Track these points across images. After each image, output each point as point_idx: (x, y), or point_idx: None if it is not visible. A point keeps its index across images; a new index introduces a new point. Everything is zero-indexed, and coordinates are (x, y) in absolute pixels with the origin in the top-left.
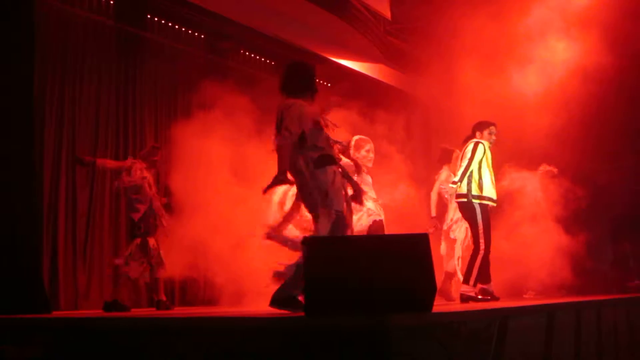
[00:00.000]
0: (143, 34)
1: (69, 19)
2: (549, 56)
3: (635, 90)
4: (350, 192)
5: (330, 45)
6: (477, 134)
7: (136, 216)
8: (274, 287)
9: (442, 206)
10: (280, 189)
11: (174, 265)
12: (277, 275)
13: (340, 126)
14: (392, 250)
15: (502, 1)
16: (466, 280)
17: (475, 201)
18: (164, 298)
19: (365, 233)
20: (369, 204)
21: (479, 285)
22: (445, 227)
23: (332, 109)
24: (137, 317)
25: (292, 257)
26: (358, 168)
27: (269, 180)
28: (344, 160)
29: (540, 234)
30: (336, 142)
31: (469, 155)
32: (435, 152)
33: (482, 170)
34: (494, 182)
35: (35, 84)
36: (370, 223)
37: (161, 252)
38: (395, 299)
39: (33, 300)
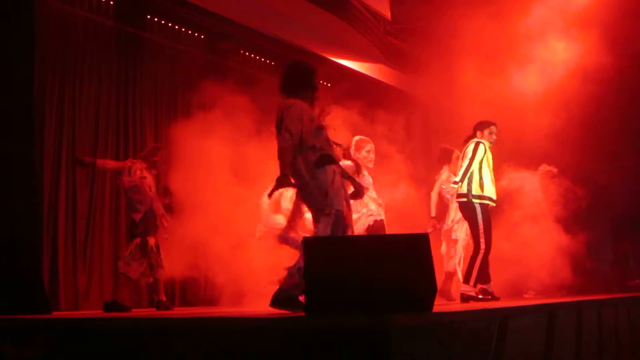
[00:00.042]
0: (143, 34)
1: (69, 19)
2: (548, 56)
3: (635, 90)
4: (351, 190)
5: (330, 45)
6: (478, 133)
7: (137, 216)
8: (275, 287)
9: (443, 206)
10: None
11: (174, 265)
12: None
13: (339, 127)
14: (392, 250)
15: (502, 1)
16: (466, 280)
17: (476, 201)
18: (164, 298)
19: (365, 233)
20: (369, 204)
21: (479, 286)
22: (446, 227)
23: (332, 110)
24: (137, 317)
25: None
26: (358, 168)
27: (270, 182)
28: (345, 162)
29: (540, 233)
30: (336, 143)
31: (469, 155)
32: (435, 152)
33: (483, 170)
34: (493, 182)
35: (35, 84)
36: (371, 223)
37: (161, 252)
38: (395, 299)
39: (33, 300)
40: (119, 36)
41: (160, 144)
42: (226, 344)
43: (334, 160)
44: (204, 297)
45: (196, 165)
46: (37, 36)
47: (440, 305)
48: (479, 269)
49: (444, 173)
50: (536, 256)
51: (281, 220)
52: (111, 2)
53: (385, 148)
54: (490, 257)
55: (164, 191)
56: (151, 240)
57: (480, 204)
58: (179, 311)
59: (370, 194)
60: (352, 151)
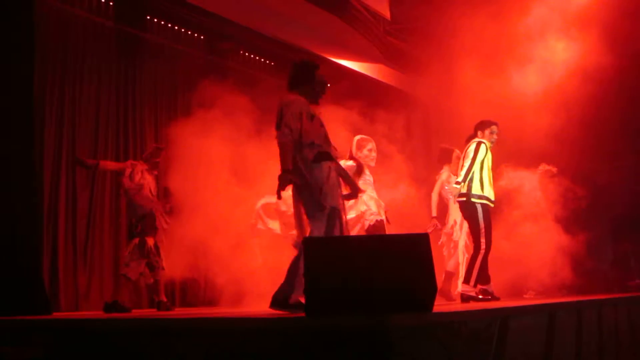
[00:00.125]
0: (143, 35)
1: (69, 20)
2: (548, 56)
3: (635, 90)
4: (347, 191)
5: (329, 45)
6: (479, 133)
7: (136, 217)
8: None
9: (443, 206)
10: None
11: (174, 266)
12: None
13: (339, 128)
14: (392, 250)
15: (501, 1)
16: (466, 280)
17: (476, 201)
18: (164, 299)
19: (365, 233)
20: (370, 203)
21: (479, 286)
22: (448, 227)
23: (325, 109)
24: (137, 318)
25: None
26: (360, 168)
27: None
28: (347, 162)
29: (540, 233)
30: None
31: (471, 155)
32: (435, 152)
33: (483, 170)
34: (492, 182)
35: (35, 84)
36: (373, 223)
37: (161, 253)
38: (395, 299)
39: (33, 301)
40: (118, 37)
41: (160, 144)
42: (226, 344)
43: (331, 157)
44: (204, 298)
45: (196, 165)
46: (37, 36)
47: (440, 305)
48: (479, 269)
49: (444, 173)
50: (536, 256)
51: (276, 227)
52: (111, 3)
53: (386, 148)
54: (490, 257)
55: (165, 192)
56: (150, 241)
57: (480, 204)
58: (179, 312)
59: (371, 193)
60: (353, 150)
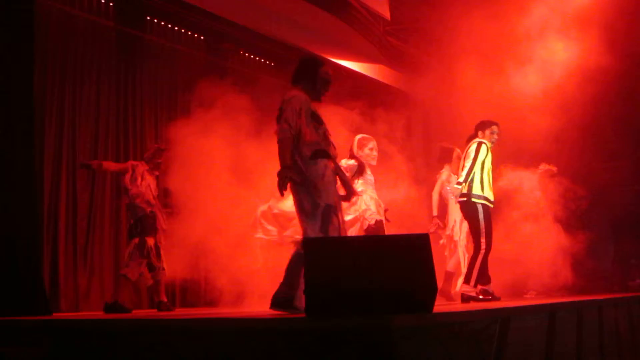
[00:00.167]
0: (143, 36)
1: (69, 20)
2: (548, 56)
3: (634, 91)
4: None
5: (329, 45)
6: (480, 133)
7: (136, 217)
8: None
9: (443, 206)
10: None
11: (174, 266)
12: None
13: (339, 128)
14: (392, 250)
15: (501, 1)
16: (467, 280)
17: (477, 201)
18: (164, 299)
19: (364, 233)
20: (369, 203)
21: (479, 286)
22: (449, 228)
23: (332, 110)
24: (137, 318)
25: None
26: (361, 167)
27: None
28: (348, 162)
29: (540, 233)
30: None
31: (472, 155)
32: (435, 152)
33: (484, 170)
34: (491, 183)
35: (35, 85)
36: (373, 223)
37: (162, 253)
38: (395, 300)
39: (33, 302)
40: (119, 37)
41: (161, 145)
42: (226, 345)
43: (328, 155)
44: (204, 299)
45: (196, 165)
46: (37, 36)
47: (440, 305)
48: (479, 269)
49: (445, 172)
50: (537, 256)
51: (275, 232)
52: (111, 4)
53: (386, 148)
54: (491, 257)
55: (164, 194)
56: (150, 241)
57: (481, 204)
58: (179, 312)
59: (371, 194)
60: (354, 149)
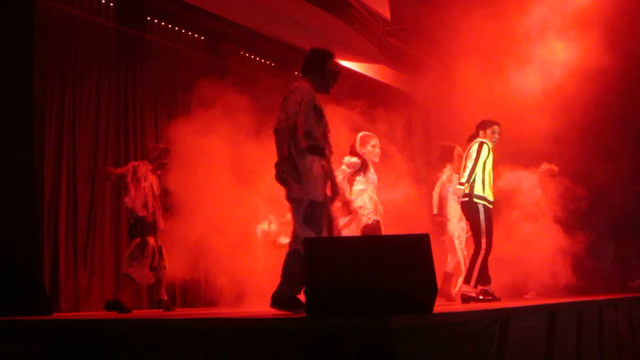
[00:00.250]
0: (143, 36)
1: (69, 20)
2: (548, 56)
3: (634, 91)
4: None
5: (330, 46)
6: (481, 132)
7: (135, 218)
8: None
9: (442, 206)
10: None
11: (174, 266)
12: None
13: (339, 128)
14: (392, 250)
15: (501, 1)
16: (467, 281)
17: (478, 201)
18: (165, 297)
19: (361, 232)
20: (368, 204)
21: (480, 287)
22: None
23: (333, 110)
24: (137, 318)
25: None
26: (365, 165)
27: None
28: (351, 159)
29: (541, 234)
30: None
31: (474, 155)
32: (436, 151)
33: (485, 171)
34: (492, 183)
35: (36, 85)
36: (370, 222)
37: (164, 252)
38: (396, 300)
39: (33, 302)
40: (119, 37)
41: (166, 145)
42: (226, 345)
43: (320, 153)
44: (204, 299)
45: (196, 165)
46: (37, 36)
47: (441, 305)
48: (480, 269)
49: (446, 172)
50: (537, 257)
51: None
52: (111, 4)
53: (386, 148)
54: (491, 257)
55: (165, 194)
56: (151, 240)
57: (482, 204)
58: (179, 312)
59: (372, 194)
60: (357, 146)
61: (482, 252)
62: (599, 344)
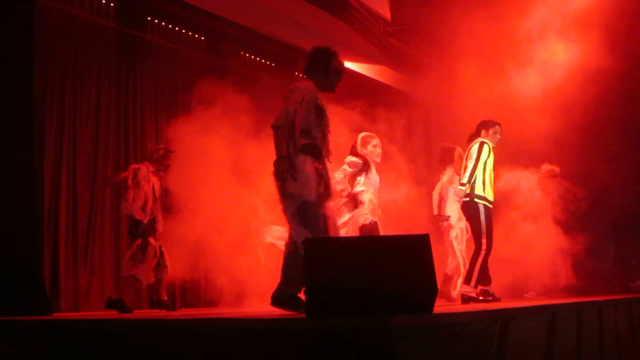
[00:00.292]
0: (143, 36)
1: (69, 20)
2: (549, 57)
3: (635, 92)
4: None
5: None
6: (482, 132)
7: (133, 220)
8: None
9: (443, 206)
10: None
11: (174, 266)
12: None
13: (339, 129)
14: (392, 251)
15: (501, 2)
16: (467, 281)
17: (479, 201)
18: (165, 297)
19: (359, 233)
20: (366, 204)
21: (480, 287)
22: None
23: (333, 110)
24: (137, 318)
25: None
26: (366, 165)
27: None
28: (352, 159)
29: (541, 234)
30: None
31: (474, 155)
32: (436, 152)
33: (486, 171)
34: (492, 183)
35: (36, 85)
36: (367, 222)
37: (165, 252)
38: (396, 300)
39: (33, 302)
40: (119, 37)
41: (169, 146)
42: (226, 345)
43: (315, 154)
44: (204, 299)
45: (196, 165)
46: (37, 36)
47: (441, 306)
48: (480, 270)
49: (447, 173)
50: (537, 257)
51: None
52: (111, 4)
53: (386, 148)
54: (491, 257)
55: (165, 194)
56: (152, 241)
57: (483, 204)
58: (179, 312)
59: (371, 196)
60: (358, 147)
61: (483, 252)
62: (599, 344)
